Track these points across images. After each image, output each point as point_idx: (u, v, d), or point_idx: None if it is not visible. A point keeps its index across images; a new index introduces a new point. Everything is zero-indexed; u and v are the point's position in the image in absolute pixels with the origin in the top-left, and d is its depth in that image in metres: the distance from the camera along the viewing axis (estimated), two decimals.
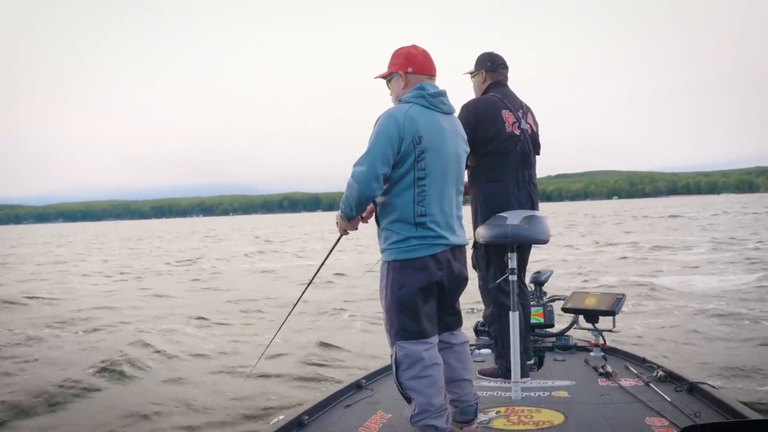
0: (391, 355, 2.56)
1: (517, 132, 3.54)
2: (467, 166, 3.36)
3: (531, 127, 3.66)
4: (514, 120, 3.55)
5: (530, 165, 3.64)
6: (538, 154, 3.75)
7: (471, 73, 3.77)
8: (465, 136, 2.78)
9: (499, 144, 3.50)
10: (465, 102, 3.60)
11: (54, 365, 6.22)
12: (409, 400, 2.53)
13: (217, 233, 55.14)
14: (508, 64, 3.76)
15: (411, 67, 2.66)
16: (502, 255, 3.45)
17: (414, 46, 2.71)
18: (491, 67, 3.69)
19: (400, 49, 2.72)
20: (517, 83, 3.81)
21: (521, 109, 3.63)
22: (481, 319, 4.58)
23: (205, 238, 45.81)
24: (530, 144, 3.63)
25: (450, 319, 2.72)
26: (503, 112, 3.53)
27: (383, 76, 2.77)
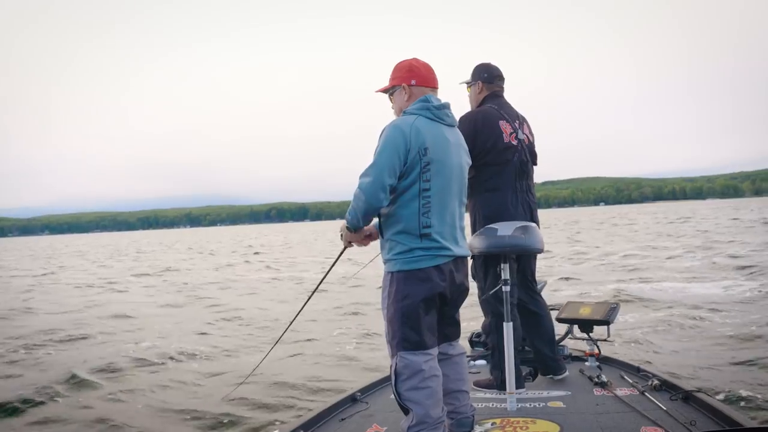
0: (391, 366, 2.55)
1: (515, 142, 3.58)
2: None
3: (527, 137, 3.70)
4: (511, 131, 3.58)
5: (528, 175, 3.67)
6: (536, 164, 3.78)
7: (467, 84, 3.80)
8: (467, 149, 2.80)
9: (497, 154, 3.53)
10: (463, 114, 3.62)
11: None
12: (406, 411, 2.52)
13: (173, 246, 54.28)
14: (490, 72, 3.76)
15: (414, 80, 2.67)
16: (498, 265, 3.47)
17: (416, 59, 2.72)
18: (488, 79, 3.73)
19: (402, 62, 2.73)
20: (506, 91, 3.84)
21: (518, 120, 3.67)
22: (476, 331, 4.59)
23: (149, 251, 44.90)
24: (527, 154, 3.66)
25: (449, 329, 2.72)
26: (500, 122, 3.56)
27: (385, 90, 2.78)
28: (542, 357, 3.74)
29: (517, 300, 3.65)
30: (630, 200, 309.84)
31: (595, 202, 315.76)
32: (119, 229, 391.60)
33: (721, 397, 4.54)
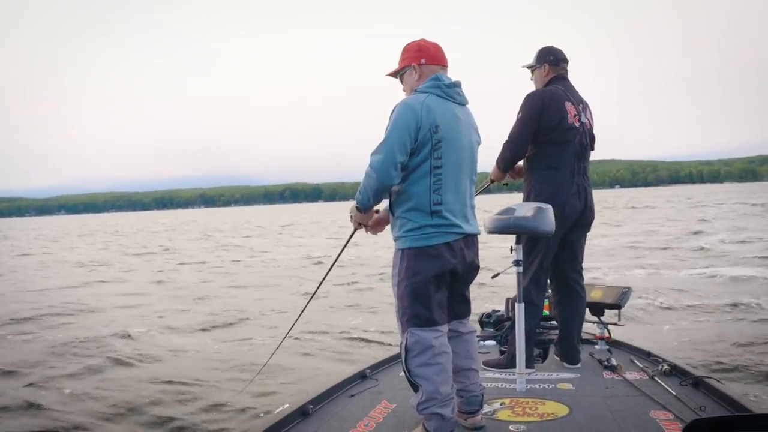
0: (401, 342, 2.57)
1: (577, 124, 3.62)
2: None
3: (589, 121, 3.75)
4: (575, 113, 3.62)
5: (585, 157, 3.71)
6: (593, 149, 3.82)
7: (530, 67, 3.83)
8: (477, 128, 2.78)
9: (561, 133, 3.56)
10: (530, 92, 3.68)
11: None
12: (416, 387, 2.53)
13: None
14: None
15: (424, 59, 2.66)
16: (545, 244, 3.53)
17: (423, 40, 2.71)
18: (554, 61, 3.75)
19: (410, 43, 2.72)
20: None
21: (581, 104, 3.71)
22: (485, 311, 4.61)
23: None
24: (587, 137, 3.70)
25: (460, 307, 2.73)
26: (566, 103, 3.60)
27: (394, 73, 2.77)
28: (567, 340, 3.74)
29: (562, 277, 3.71)
30: (646, 183, 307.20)
31: (611, 185, 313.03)
32: (134, 209, 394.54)
33: (731, 383, 4.52)
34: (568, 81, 3.77)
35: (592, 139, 3.79)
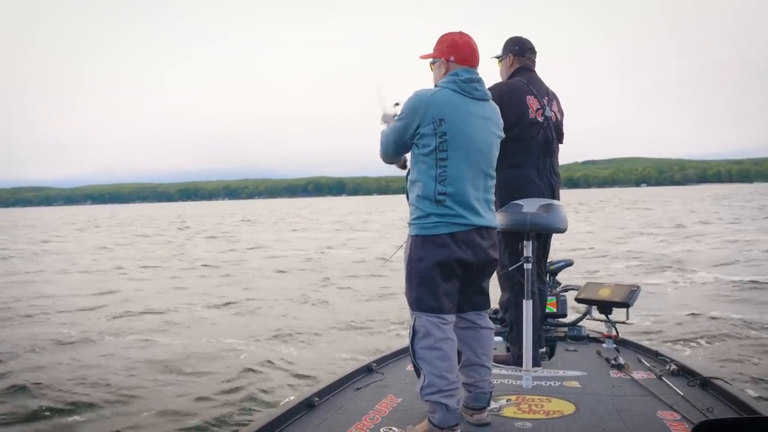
0: (410, 324, 2.62)
1: (541, 119, 3.51)
2: None
3: (555, 115, 3.62)
4: (539, 106, 3.51)
5: (552, 153, 3.60)
6: (561, 142, 3.70)
7: (498, 58, 3.74)
8: (500, 123, 2.78)
9: (522, 130, 3.47)
10: (490, 86, 3.57)
11: None
12: (419, 372, 2.57)
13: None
14: (522, 45, 3.69)
15: (453, 56, 2.68)
16: (519, 242, 3.44)
17: (460, 34, 2.71)
18: (519, 51, 3.66)
19: (446, 35, 2.73)
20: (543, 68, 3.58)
21: (547, 96, 3.59)
22: (494, 308, 4.59)
23: None
24: (553, 132, 3.58)
25: (478, 298, 2.76)
26: (528, 97, 3.49)
27: (427, 57, 2.80)
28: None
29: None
30: (673, 182, 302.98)
31: (637, 183, 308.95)
32: (159, 200, 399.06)
33: (740, 385, 4.46)
34: (534, 72, 3.65)
35: (559, 132, 3.67)
